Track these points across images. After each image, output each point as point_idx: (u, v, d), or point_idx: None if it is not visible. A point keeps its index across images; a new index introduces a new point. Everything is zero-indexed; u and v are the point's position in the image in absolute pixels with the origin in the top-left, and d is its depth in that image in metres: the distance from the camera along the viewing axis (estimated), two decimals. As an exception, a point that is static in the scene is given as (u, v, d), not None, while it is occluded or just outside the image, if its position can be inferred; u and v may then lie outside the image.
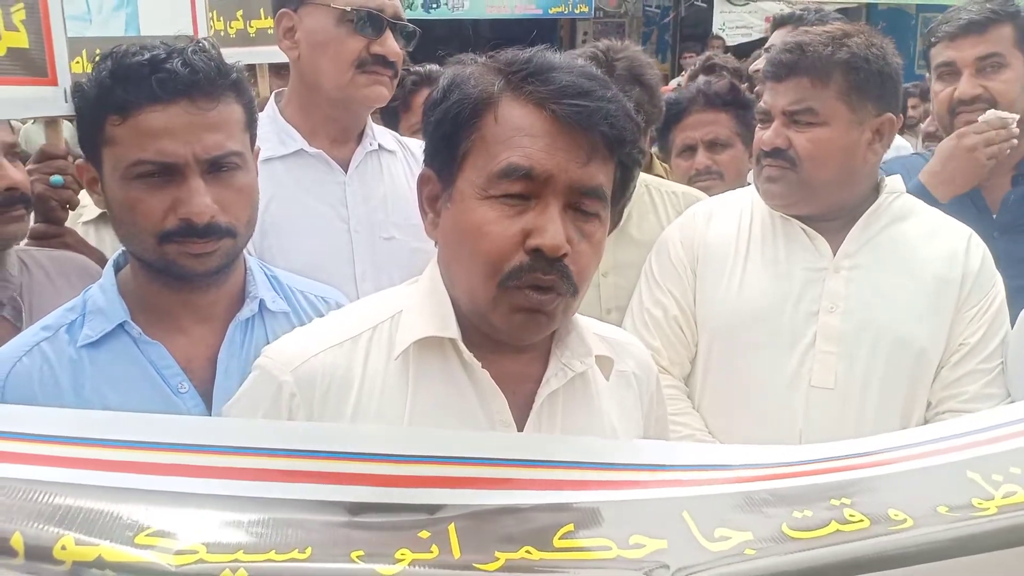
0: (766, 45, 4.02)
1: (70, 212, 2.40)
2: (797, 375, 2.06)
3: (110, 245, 2.63)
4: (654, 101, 2.52)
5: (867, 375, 2.05)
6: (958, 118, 2.61)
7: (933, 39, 2.70)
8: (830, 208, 2.12)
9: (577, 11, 12.30)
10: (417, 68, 3.31)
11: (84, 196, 2.48)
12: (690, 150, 3.04)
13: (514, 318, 1.30)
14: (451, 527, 1.09)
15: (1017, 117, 2.50)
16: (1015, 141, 2.49)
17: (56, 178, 2.23)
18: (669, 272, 2.24)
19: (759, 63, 4.08)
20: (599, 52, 2.47)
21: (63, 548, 0.98)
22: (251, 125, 1.70)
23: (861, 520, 1.13)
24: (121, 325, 1.63)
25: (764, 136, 2.09)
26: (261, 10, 3.10)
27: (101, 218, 2.85)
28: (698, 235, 2.24)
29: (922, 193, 2.50)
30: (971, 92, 2.58)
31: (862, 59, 2.03)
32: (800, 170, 2.05)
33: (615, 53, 2.48)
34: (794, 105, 2.05)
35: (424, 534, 1.08)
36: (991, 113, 2.51)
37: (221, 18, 3.00)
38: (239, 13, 3.08)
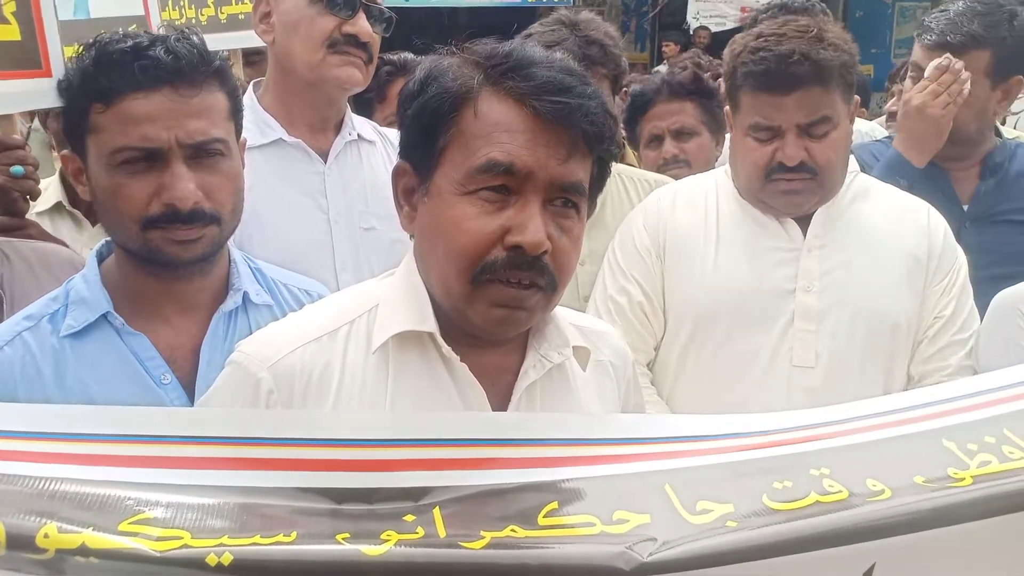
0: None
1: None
2: (777, 354, 2.09)
3: (67, 235, 2.62)
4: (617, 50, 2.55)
5: (847, 352, 2.08)
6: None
7: (919, 34, 2.68)
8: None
9: (555, -1, 12.25)
10: (392, 57, 3.29)
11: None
12: (657, 140, 3.11)
13: (492, 314, 1.30)
14: (436, 510, 1.10)
15: (961, 64, 2.48)
16: (967, 79, 2.48)
17: (17, 168, 2.20)
18: (633, 259, 2.24)
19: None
20: (561, 17, 2.52)
21: (46, 536, 0.98)
22: (235, 114, 1.71)
23: (840, 491, 1.14)
24: (104, 316, 1.62)
25: (787, 152, 2.03)
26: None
27: (55, 208, 2.82)
28: (663, 221, 2.23)
29: (900, 161, 2.54)
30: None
31: (848, 53, 2.06)
32: (821, 177, 2.07)
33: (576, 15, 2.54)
34: (811, 116, 2.03)
35: (409, 517, 1.08)
36: (931, 65, 2.51)
37: (193, 6, 2.99)
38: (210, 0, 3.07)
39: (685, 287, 2.18)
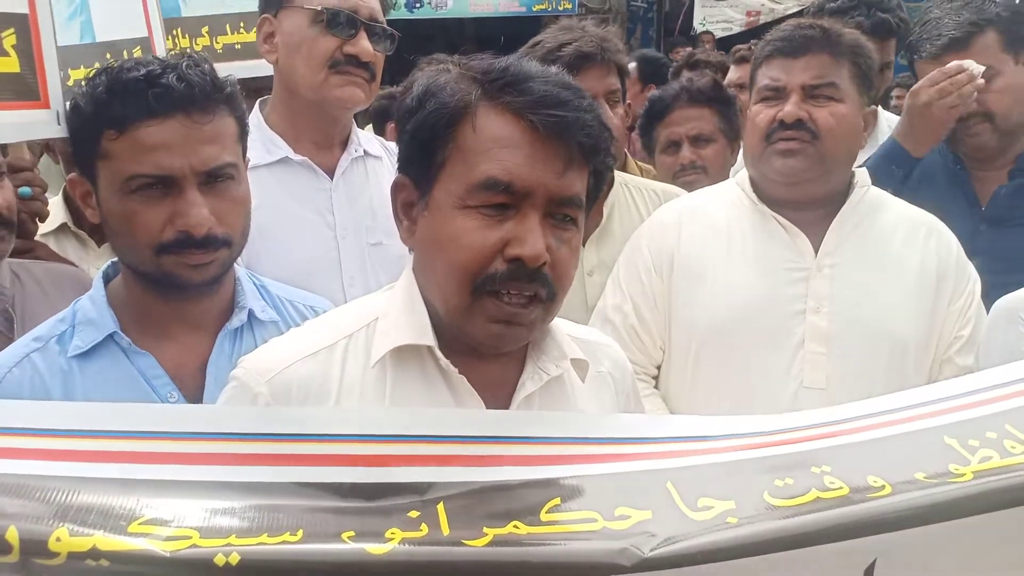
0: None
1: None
2: (788, 375, 2.06)
3: (72, 256, 2.64)
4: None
5: (857, 374, 2.05)
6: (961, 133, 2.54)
7: (917, 56, 2.63)
8: (824, 194, 2.13)
9: (561, 8, 12.27)
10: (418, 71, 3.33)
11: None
12: (675, 146, 3.12)
13: (491, 328, 1.31)
14: (440, 506, 1.11)
15: (981, 69, 2.41)
16: (979, 82, 2.40)
17: (25, 190, 2.21)
18: (633, 277, 2.24)
19: (734, 74, 4.15)
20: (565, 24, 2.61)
21: (58, 540, 0.99)
22: (243, 137, 1.73)
23: (841, 487, 1.15)
24: (111, 335, 1.64)
25: (786, 109, 2.07)
26: (227, 26, 3.12)
27: (60, 229, 2.84)
28: (668, 240, 2.22)
29: (897, 150, 2.50)
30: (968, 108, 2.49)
31: (865, 47, 2.10)
32: (820, 144, 2.06)
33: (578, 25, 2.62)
34: (816, 79, 2.07)
35: (414, 513, 1.09)
36: (953, 64, 2.43)
37: (187, 35, 3.02)
38: (204, 29, 3.10)
39: (694, 306, 2.16)
